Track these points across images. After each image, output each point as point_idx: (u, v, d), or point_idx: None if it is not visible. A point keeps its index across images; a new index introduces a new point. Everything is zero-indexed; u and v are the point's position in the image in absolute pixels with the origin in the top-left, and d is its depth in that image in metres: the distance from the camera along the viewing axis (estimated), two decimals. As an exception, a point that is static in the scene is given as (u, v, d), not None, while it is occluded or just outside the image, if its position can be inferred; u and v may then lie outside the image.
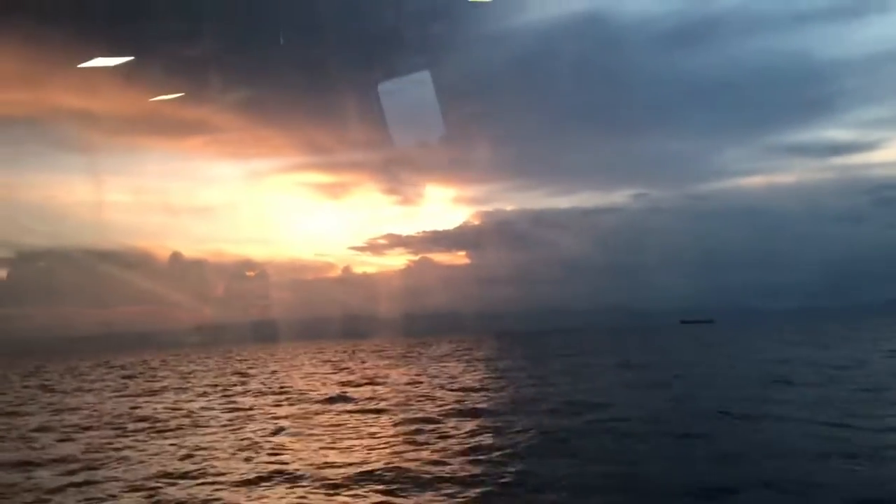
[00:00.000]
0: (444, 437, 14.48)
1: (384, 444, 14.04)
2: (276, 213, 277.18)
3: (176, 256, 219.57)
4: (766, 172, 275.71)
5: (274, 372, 40.90)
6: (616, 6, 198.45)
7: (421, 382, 28.18)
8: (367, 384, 28.35)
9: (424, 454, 12.76)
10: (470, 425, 15.76)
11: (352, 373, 36.56)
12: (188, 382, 34.70)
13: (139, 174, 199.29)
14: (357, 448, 13.61)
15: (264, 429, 16.69)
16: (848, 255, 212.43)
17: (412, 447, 13.51)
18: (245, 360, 62.36)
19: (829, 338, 56.75)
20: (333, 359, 55.18)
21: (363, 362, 47.33)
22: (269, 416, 19.21)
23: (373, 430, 15.87)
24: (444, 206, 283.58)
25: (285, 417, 18.63)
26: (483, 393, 23.04)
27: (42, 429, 18.58)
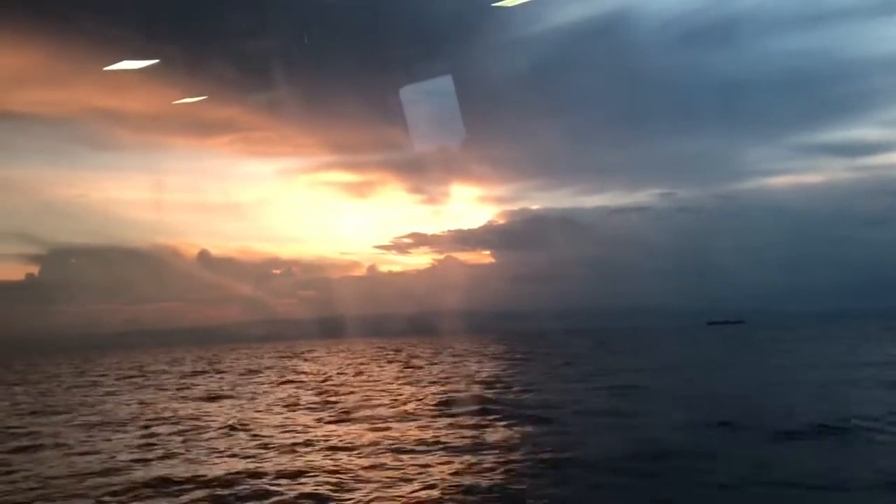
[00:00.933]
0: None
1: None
2: (302, 211, 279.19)
3: (203, 254, 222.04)
4: (793, 172, 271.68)
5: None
6: (641, 6, 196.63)
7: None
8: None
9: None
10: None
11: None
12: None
13: (168, 172, 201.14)
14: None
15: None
16: (878, 256, 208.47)
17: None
18: (315, 356, 62.59)
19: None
20: (398, 358, 52.45)
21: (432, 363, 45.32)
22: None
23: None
24: (470, 205, 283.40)
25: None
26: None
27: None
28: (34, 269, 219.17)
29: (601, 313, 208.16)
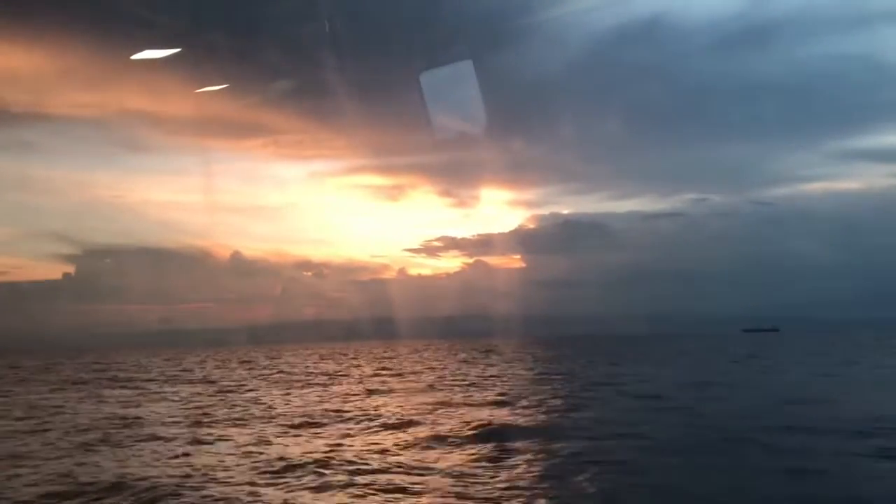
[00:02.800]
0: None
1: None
2: (333, 214, 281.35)
3: (236, 255, 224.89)
4: (830, 178, 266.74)
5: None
6: (678, 10, 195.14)
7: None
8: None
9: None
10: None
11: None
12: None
13: (202, 174, 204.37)
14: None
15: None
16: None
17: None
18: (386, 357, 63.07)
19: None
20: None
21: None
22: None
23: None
24: (500, 208, 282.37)
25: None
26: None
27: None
28: (71, 269, 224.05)
29: (632, 319, 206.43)
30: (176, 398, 24.27)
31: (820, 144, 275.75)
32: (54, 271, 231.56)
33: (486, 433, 14.35)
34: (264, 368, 45.06)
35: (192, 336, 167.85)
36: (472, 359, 51.12)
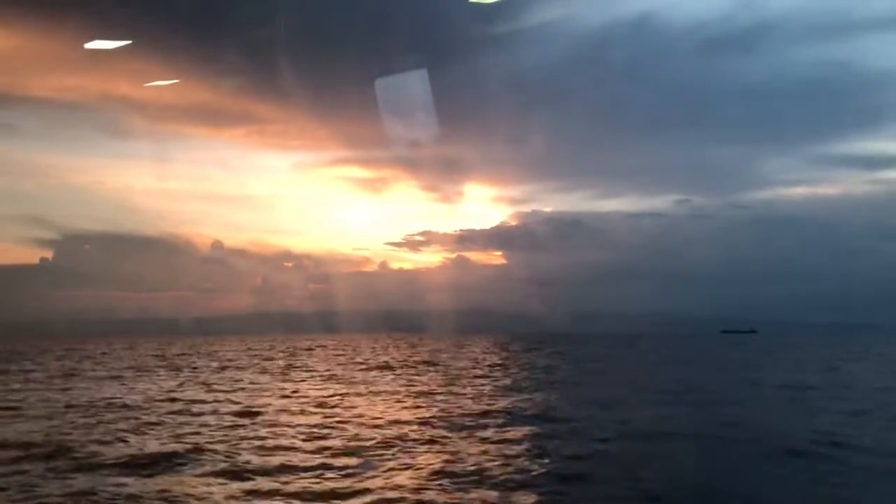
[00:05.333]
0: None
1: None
2: (315, 205, 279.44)
3: (216, 245, 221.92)
4: (810, 183, 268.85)
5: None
6: (664, 11, 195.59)
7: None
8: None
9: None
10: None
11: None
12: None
13: (184, 162, 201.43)
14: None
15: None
16: (894, 270, 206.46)
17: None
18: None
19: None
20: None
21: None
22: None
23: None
24: (483, 204, 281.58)
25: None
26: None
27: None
28: (48, 254, 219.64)
29: (612, 317, 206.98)
30: None
31: (801, 149, 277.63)
32: (31, 255, 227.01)
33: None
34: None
35: (168, 325, 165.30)
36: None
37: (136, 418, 15.61)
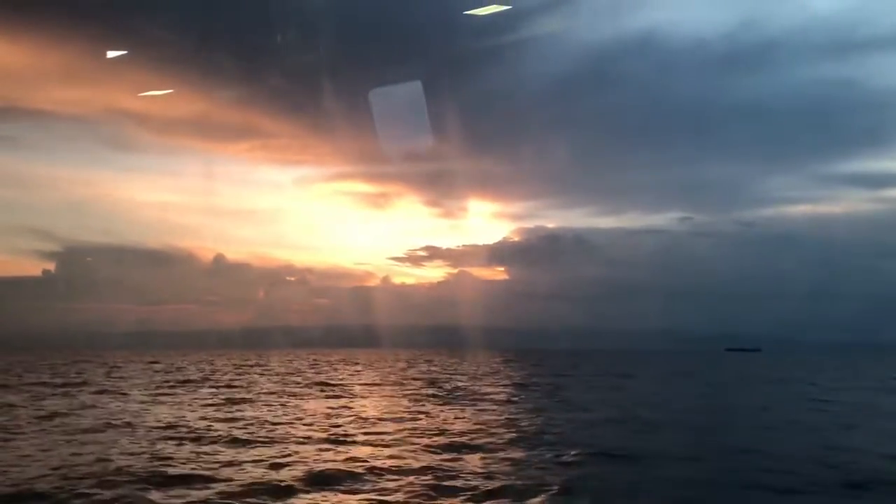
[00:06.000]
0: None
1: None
2: (318, 220, 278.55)
3: (219, 258, 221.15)
4: (813, 202, 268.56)
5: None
6: (668, 28, 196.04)
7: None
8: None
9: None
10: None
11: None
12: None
13: (186, 175, 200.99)
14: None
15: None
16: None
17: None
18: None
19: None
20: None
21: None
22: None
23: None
24: (486, 220, 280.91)
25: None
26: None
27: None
28: (50, 266, 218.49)
29: (614, 335, 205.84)
30: None
31: (804, 167, 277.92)
32: (33, 268, 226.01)
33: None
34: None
35: (170, 338, 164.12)
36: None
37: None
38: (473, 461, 12.98)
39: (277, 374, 42.73)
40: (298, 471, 12.00)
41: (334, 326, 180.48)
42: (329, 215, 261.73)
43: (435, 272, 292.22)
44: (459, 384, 34.34)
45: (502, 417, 20.04)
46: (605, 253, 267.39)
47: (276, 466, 12.39)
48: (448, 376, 41.78)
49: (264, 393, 28.22)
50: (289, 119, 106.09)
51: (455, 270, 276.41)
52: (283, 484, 11.06)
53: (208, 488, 10.72)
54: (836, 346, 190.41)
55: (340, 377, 40.87)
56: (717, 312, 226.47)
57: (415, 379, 38.67)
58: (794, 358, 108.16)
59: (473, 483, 11.05)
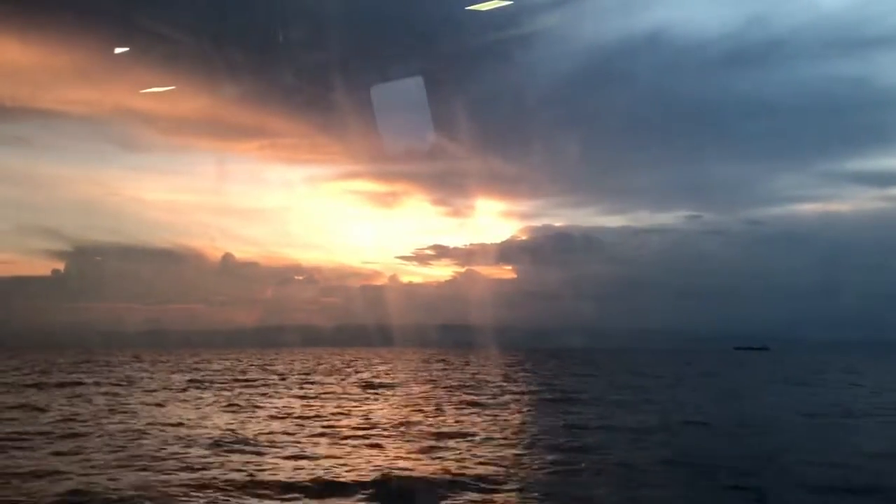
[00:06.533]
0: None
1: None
2: (326, 219, 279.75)
3: (227, 258, 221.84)
4: (822, 200, 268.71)
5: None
6: (676, 26, 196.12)
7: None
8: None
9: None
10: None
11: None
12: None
13: (195, 174, 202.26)
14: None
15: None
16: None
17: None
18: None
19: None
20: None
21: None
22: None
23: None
24: (493, 219, 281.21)
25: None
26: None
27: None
28: (60, 265, 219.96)
29: (623, 333, 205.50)
30: None
31: (812, 166, 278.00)
32: (43, 267, 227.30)
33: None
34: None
35: (178, 337, 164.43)
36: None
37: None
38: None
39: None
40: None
41: (342, 325, 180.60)
42: (337, 214, 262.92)
43: (443, 271, 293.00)
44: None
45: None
46: (613, 251, 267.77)
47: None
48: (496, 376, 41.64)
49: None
50: (297, 118, 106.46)
51: (463, 269, 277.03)
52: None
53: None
54: (842, 343, 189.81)
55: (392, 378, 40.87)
56: (725, 311, 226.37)
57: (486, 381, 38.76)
58: (803, 356, 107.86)
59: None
